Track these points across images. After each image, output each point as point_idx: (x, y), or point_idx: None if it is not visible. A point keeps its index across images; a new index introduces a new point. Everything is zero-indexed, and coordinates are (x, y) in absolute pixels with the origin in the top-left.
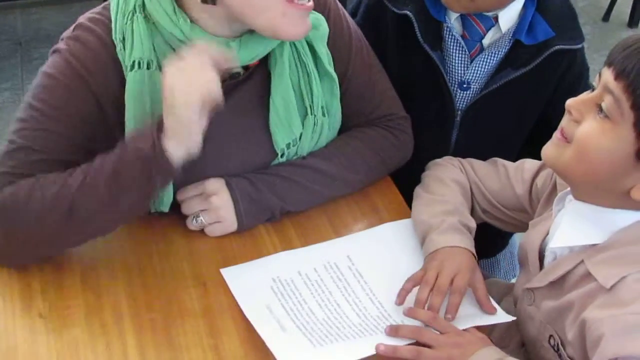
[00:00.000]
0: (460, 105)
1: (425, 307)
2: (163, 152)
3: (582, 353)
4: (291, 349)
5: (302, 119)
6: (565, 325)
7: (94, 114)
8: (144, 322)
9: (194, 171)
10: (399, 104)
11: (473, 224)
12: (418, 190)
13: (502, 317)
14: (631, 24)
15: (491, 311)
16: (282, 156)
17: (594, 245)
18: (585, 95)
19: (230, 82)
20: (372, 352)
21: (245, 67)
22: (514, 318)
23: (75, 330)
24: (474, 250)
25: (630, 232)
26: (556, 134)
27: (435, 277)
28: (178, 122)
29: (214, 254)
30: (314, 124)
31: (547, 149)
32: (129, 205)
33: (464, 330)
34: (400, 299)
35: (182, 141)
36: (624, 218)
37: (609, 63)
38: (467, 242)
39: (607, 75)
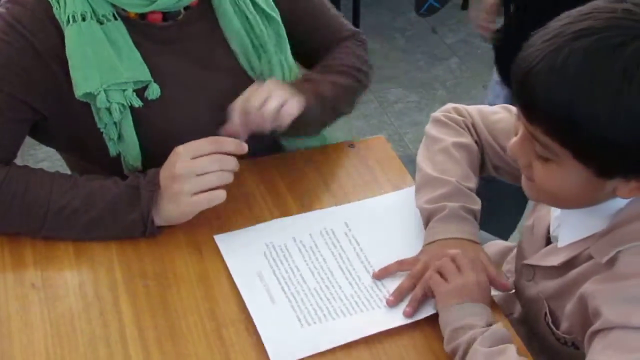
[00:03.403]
0: None
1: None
2: (153, 225)
3: (579, 328)
4: (277, 328)
5: (258, 59)
6: (563, 301)
7: (40, 71)
8: (139, 290)
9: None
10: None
11: (477, 206)
12: (422, 160)
13: None
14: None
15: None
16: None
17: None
18: (519, 142)
19: (173, 22)
20: (356, 337)
21: (186, 7)
22: None
23: (69, 300)
24: (475, 238)
25: (625, 212)
26: (523, 177)
27: (422, 272)
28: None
29: (209, 220)
30: (268, 62)
31: (526, 189)
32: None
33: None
34: (379, 275)
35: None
36: (617, 202)
37: (516, 100)
38: (467, 231)
39: (523, 119)
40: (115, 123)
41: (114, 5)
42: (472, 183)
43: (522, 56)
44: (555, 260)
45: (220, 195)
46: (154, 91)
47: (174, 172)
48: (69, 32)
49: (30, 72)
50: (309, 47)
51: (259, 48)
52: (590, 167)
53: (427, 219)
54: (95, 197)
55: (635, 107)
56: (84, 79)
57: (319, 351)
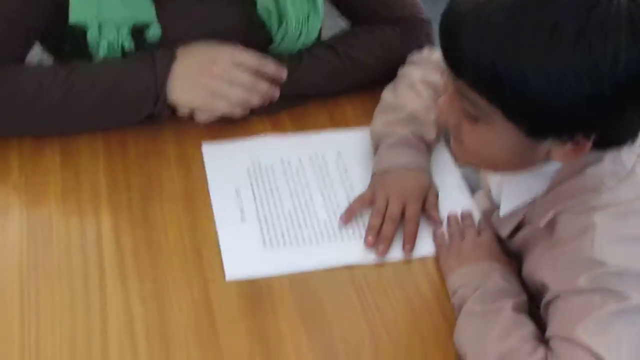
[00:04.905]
0: None
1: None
2: (165, 97)
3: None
4: (240, 245)
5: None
6: (517, 267)
7: None
8: (122, 200)
9: None
10: (420, 7)
11: (430, 135)
12: (384, 93)
13: None
14: None
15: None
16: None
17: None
18: (447, 100)
19: None
20: (316, 267)
21: None
22: None
23: (49, 205)
24: (424, 168)
25: (563, 171)
26: (451, 139)
27: (385, 205)
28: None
29: (202, 136)
30: (285, 33)
31: (454, 152)
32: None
33: None
34: (346, 219)
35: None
36: (557, 164)
37: (443, 54)
38: (418, 160)
39: (450, 74)
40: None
41: None
42: (432, 115)
43: (451, 7)
44: (503, 232)
45: (238, 112)
46: (154, 32)
47: (211, 68)
48: None
49: None
50: (358, 17)
51: (281, 16)
52: (520, 127)
53: (376, 144)
54: (100, 73)
55: (566, 66)
56: (81, 5)
57: (275, 274)
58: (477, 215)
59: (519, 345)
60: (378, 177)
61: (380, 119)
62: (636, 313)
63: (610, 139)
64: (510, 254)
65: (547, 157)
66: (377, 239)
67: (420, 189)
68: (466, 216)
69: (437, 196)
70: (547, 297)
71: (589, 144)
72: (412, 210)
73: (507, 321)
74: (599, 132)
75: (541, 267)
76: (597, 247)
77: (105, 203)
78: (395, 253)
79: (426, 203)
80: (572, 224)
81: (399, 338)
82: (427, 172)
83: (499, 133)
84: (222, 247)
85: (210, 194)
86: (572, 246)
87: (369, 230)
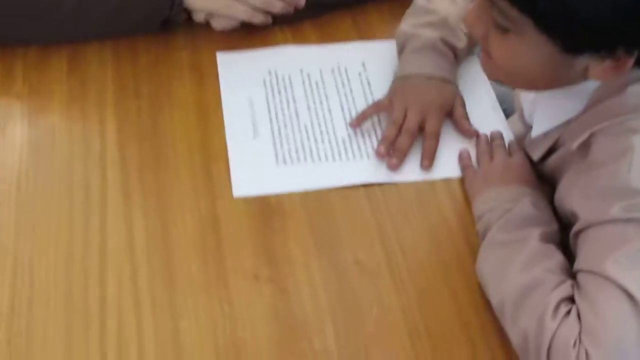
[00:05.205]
0: None
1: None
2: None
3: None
4: (250, 160)
5: None
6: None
7: None
8: (130, 109)
9: None
10: None
11: (460, 44)
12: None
13: None
14: None
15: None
16: None
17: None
18: (476, 7)
19: None
20: (332, 185)
21: None
22: None
23: (52, 116)
24: (451, 77)
25: (601, 90)
26: (481, 52)
27: (403, 116)
28: None
29: (217, 46)
30: None
31: (482, 65)
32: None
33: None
34: (356, 122)
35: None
36: (593, 82)
37: None
38: (443, 68)
39: None
40: None
41: None
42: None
43: None
44: (535, 155)
45: (259, 18)
46: None
47: None
48: None
49: None
50: None
51: None
52: (554, 39)
53: (401, 46)
54: None
55: None
56: None
57: (287, 192)
58: (509, 137)
59: (544, 276)
60: (398, 83)
61: (409, 20)
62: None
63: None
64: (543, 180)
65: (585, 75)
66: (391, 151)
67: (443, 101)
68: (497, 136)
69: (464, 106)
70: (576, 226)
71: (631, 61)
72: (432, 124)
73: (532, 251)
74: None
75: (572, 193)
76: (634, 174)
77: (112, 112)
78: (416, 173)
79: (454, 115)
80: (608, 146)
81: (417, 263)
82: (452, 83)
83: (530, 46)
84: (231, 162)
85: (223, 105)
86: (607, 170)
87: (382, 141)
